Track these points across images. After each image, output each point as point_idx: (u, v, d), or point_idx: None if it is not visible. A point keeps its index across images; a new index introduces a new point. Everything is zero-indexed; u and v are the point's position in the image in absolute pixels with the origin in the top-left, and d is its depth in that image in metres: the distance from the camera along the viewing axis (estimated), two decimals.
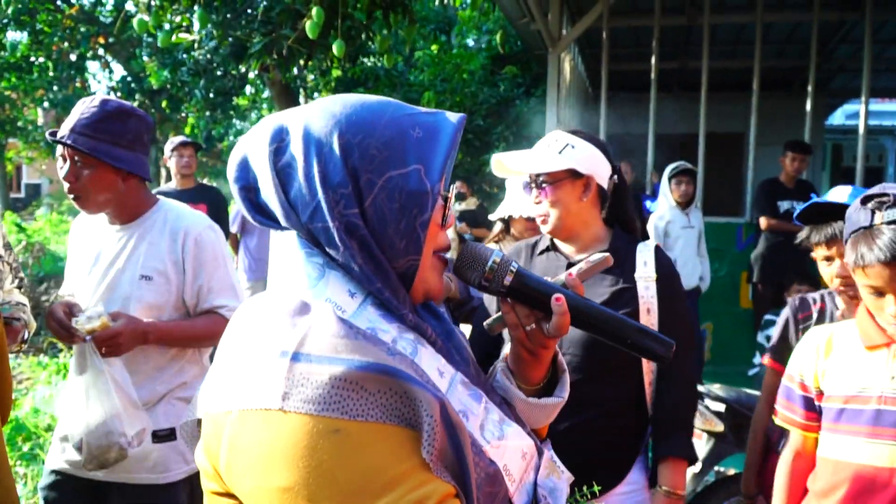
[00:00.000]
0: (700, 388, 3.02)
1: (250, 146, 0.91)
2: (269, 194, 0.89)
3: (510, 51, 10.45)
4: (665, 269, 1.94)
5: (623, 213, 2.02)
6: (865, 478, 1.62)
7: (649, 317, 1.89)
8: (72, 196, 2.09)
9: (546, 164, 1.90)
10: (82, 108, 2.06)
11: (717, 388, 2.96)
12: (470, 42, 12.16)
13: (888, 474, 1.59)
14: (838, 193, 2.14)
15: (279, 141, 0.89)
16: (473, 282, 0.98)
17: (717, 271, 6.17)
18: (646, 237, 5.10)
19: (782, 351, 2.24)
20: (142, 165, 2.13)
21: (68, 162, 2.05)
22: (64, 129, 2.05)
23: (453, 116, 0.94)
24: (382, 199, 0.87)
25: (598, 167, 1.94)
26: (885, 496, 1.58)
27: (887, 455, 1.59)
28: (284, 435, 0.76)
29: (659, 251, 1.98)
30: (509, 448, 0.90)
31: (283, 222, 0.91)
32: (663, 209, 5.47)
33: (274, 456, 0.76)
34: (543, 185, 1.92)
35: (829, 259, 2.07)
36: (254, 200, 0.92)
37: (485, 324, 1.09)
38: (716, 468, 3.33)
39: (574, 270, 1.02)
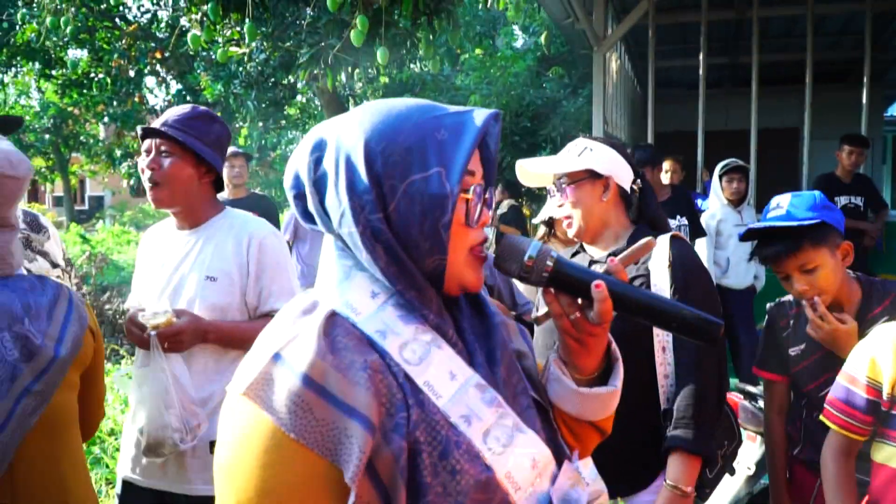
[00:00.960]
0: (753, 388, 2.96)
1: (298, 156, 0.99)
2: (311, 202, 0.96)
3: (556, 52, 10.40)
4: (680, 257, 1.91)
5: (651, 213, 2.06)
6: None
7: None
8: (150, 185, 2.18)
9: (565, 165, 1.98)
10: (172, 110, 2.21)
11: None
12: (516, 44, 12.14)
13: None
14: (777, 207, 2.04)
15: (318, 152, 0.96)
16: (514, 273, 0.99)
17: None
18: (702, 234, 5.01)
19: (769, 359, 2.18)
20: (219, 166, 2.23)
21: (153, 152, 2.17)
22: (155, 125, 2.18)
23: (482, 113, 0.95)
24: (405, 204, 0.91)
25: (618, 169, 1.99)
26: None
27: None
28: (236, 416, 0.87)
29: (676, 240, 1.96)
30: (516, 455, 0.90)
31: (321, 227, 0.98)
32: (715, 207, 5.37)
33: (224, 433, 0.88)
34: (564, 186, 1.99)
35: (783, 276, 1.98)
36: (304, 207, 0.99)
37: (532, 316, 1.10)
38: None
39: (618, 257, 1.03)
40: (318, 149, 0.96)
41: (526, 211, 10.21)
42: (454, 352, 0.94)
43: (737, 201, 5.31)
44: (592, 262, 2.02)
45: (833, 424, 1.78)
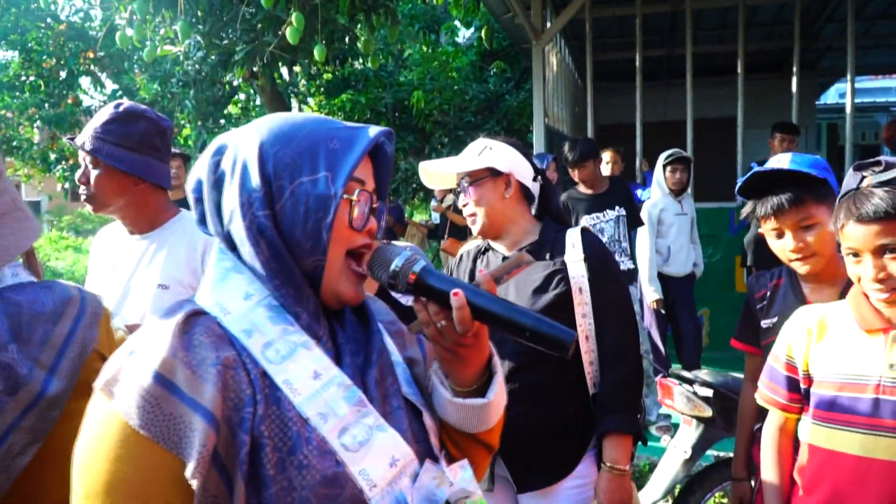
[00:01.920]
0: (687, 374, 3.03)
1: (200, 161, 1.03)
2: (207, 203, 1.01)
3: (498, 46, 10.45)
4: (593, 249, 1.99)
5: (553, 208, 2.14)
6: (861, 470, 1.55)
7: (582, 296, 1.95)
8: (84, 198, 2.09)
9: (465, 164, 2.04)
10: (96, 116, 2.09)
11: (704, 374, 2.97)
12: (458, 40, 12.15)
13: (887, 467, 1.52)
14: (779, 161, 2.00)
15: (218, 155, 1.01)
16: (383, 280, 1.01)
17: (711, 257, 6.18)
18: (639, 224, 5.11)
19: (745, 331, 2.19)
20: (149, 169, 2.09)
21: (82, 165, 2.07)
22: (83, 136, 2.07)
23: (375, 129, 1.01)
24: (292, 203, 0.95)
25: (518, 166, 2.05)
26: (883, 489, 1.52)
27: (885, 447, 1.53)
28: (91, 412, 0.91)
29: (586, 233, 2.03)
30: (372, 453, 0.93)
31: (210, 229, 1.02)
32: (657, 197, 5.46)
33: (83, 429, 0.91)
34: (467, 186, 2.05)
35: (778, 233, 1.94)
36: (203, 211, 1.03)
37: (409, 326, 1.12)
38: (709, 452, 3.34)
39: (491, 270, 1.06)
40: (219, 153, 1.01)
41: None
42: (322, 352, 0.96)
43: (679, 191, 5.41)
44: (505, 257, 2.07)
45: (762, 401, 1.83)
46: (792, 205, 1.88)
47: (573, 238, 2.00)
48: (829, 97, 13.45)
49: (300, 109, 13.59)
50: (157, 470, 0.85)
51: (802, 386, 1.72)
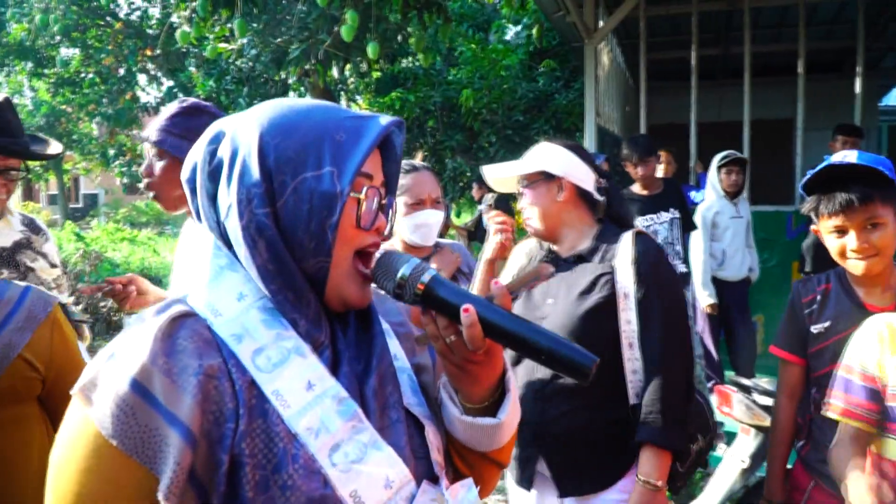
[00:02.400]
0: (746, 381, 2.95)
1: (196, 148, 0.95)
2: (201, 194, 0.93)
3: (548, 45, 10.37)
4: (643, 253, 1.93)
5: (615, 212, 2.11)
6: None
7: (626, 301, 1.90)
8: (148, 189, 2.12)
9: (520, 167, 2.07)
10: (164, 110, 2.12)
11: (764, 382, 2.89)
12: (508, 38, 12.11)
13: None
14: (844, 158, 1.91)
15: (214, 144, 0.93)
16: (389, 290, 0.95)
17: (767, 261, 6.02)
18: (693, 227, 5.02)
19: (787, 338, 2.10)
20: None
21: (147, 157, 2.10)
22: (148, 130, 2.11)
23: (385, 119, 0.94)
24: (294, 201, 0.88)
25: (573, 169, 2.04)
26: None
27: None
28: (68, 416, 0.85)
29: (639, 236, 1.97)
30: (364, 473, 0.86)
31: (204, 223, 0.95)
32: (711, 199, 5.35)
33: (60, 432, 0.85)
34: (523, 188, 2.08)
35: (840, 231, 1.88)
36: (198, 202, 0.96)
37: (415, 339, 1.04)
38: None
39: (508, 282, 0.97)
40: (215, 140, 0.94)
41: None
42: (317, 360, 0.90)
43: (734, 193, 5.29)
44: (559, 260, 2.06)
45: (837, 415, 1.72)
46: (861, 202, 1.82)
47: (625, 241, 1.96)
48: (893, 98, 12.99)
49: (348, 108, 13.73)
50: (127, 485, 0.80)
51: (881, 396, 1.64)
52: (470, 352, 0.92)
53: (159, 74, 12.85)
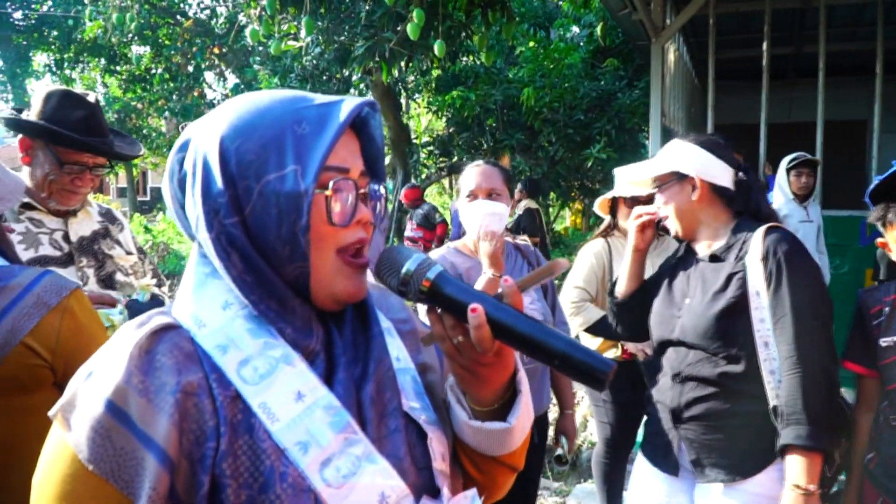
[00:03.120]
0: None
1: (169, 158, 0.91)
2: (171, 205, 0.90)
3: (611, 43, 10.24)
4: (772, 248, 1.86)
5: (753, 205, 2.04)
6: None
7: (759, 299, 1.84)
8: None
9: (652, 169, 2.06)
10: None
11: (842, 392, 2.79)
12: (569, 36, 12.00)
13: None
14: None
15: (182, 152, 0.89)
16: (393, 286, 0.90)
17: (839, 268, 5.81)
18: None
19: (857, 350, 2.04)
20: None
21: None
22: None
23: (351, 103, 0.87)
24: (261, 206, 0.83)
25: (707, 166, 1.99)
26: None
27: None
28: (48, 438, 0.82)
29: (772, 231, 1.90)
30: (358, 488, 0.81)
31: (184, 232, 0.92)
32: (780, 202, 5.20)
33: (41, 454, 0.82)
34: (657, 190, 2.06)
35: None
36: None
37: (421, 339, 0.99)
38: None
39: (520, 280, 0.90)
40: (182, 149, 0.89)
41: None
42: (308, 368, 0.85)
43: (803, 196, 5.13)
44: (699, 260, 2.04)
45: None
46: None
47: (756, 238, 1.90)
48: None
49: (408, 106, 13.80)
50: None
51: None
52: (478, 353, 0.86)
53: (226, 71, 13.18)
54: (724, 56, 7.19)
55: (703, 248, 2.05)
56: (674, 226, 2.04)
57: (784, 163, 5.18)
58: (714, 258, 1.98)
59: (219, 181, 0.83)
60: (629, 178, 2.14)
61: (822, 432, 1.73)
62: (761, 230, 1.91)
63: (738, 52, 7.80)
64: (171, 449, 0.76)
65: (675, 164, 2.00)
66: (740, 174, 2.02)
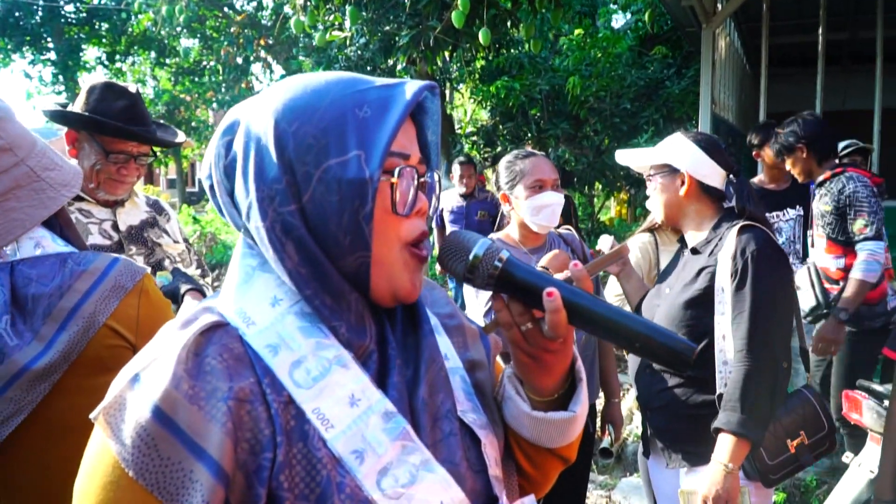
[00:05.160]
0: (878, 387, 2.77)
1: (212, 141, 0.86)
2: (218, 192, 0.85)
3: (659, 30, 10.04)
4: (744, 244, 1.96)
5: (740, 204, 2.12)
6: None
7: (723, 294, 1.97)
8: None
9: (650, 158, 2.18)
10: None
11: None
12: (616, 24, 11.82)
13: None
14: None
15: (229, 135, 0.84)
16: (458, 273, 0.86)
17: None
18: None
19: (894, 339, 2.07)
20: None
21: None
22: None
23: (413, 86, 0.83)
24: (321, 193, 0.78)
25: (698, 164, 2.09)
26: None
27: None
28: (91, 441, 0.78)
29: (746, 230, 1.99)
30: (416, 499, 0.77)
31: (229, 221, 0.86)
32: None
33: (84, 457, 0.79)
34: (650, 177, 2.19)
35: None
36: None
37: (482, 328, 0.96)
38: None
39: (587, 264, 0.90)
40: (230, 132, 0.84)
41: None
42: (361, 371, 0.81)
43: None
44: (694, 251, 2.13)
45: None
46: None
47: (731, 235, 2.01)
48: None
49: (451, 96, 13.77)
50: None
51: None
52: (547, 340, 0.83)
53: (272, 63, 13.34)
54: (776, 42, 7.00)
55: (690, 241, 2.18)
56: (658, 213, 2.19)
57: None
58: (694, 251, 2.12)
59: (275, 166, 0.79)
60: (628, 162, 2.24)
61: (754, 423, 1.87)
62: (735, 228, 2.01)
63: (792, 37, 7.59)
64: (225, 461, 0.72)
65: (669, 157, 2.12)
66: (730, 177, 2.12)
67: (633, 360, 2.28)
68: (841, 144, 4.97)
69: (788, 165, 3.82)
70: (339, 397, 0.78)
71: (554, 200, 2.37)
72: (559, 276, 0.86)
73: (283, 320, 0.80)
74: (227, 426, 0.73)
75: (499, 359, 1.08)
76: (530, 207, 2.38)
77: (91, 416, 0.77)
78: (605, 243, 2.38)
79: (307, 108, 0.80)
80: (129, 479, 0.72)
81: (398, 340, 0.87)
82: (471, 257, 0.84)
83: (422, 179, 0.86)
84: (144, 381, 0.74)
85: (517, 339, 0.86)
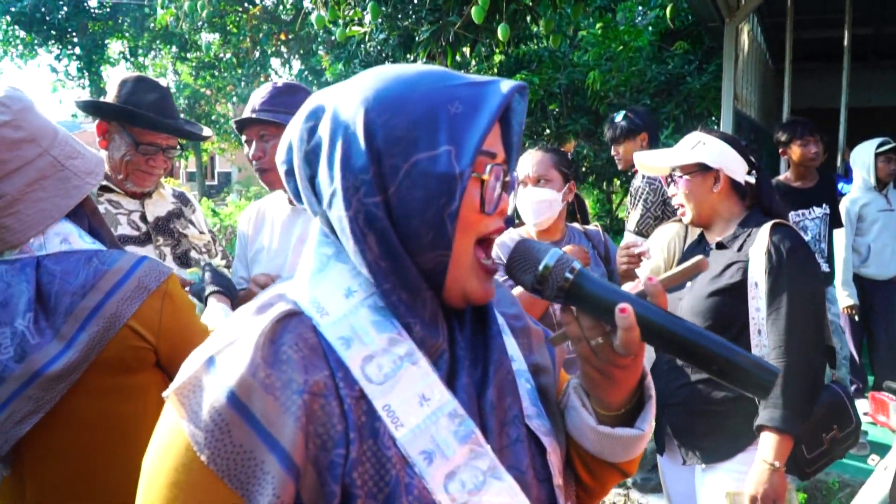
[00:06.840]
0: None
1: (292, 125, 0.86)
2: (299, 177, 0.84)
3: (680, 25, 9.94)
4: (778, 242, 1.97)
5: (765, 202, 2.16)
6: None
7: (757, 290, 1.96)
8: (259, 171, 2.25)
9: (678, 158, 2.15)
10: (255, 95, 2.26)
11: None
12: (636, 18, 11.72)
13: None
14: None
15: (313, 120, 0.83)
16: (527, 284, 0.84)
17: None
18: (839, 224, 4.65)
19: None
20: None
21: (254, 141, 2.23)
22: (245, 114, 2.24)
23: (506, 85, 0.81)
24: (407, 187, 0.77)
25: (729, 161, 2.11)
26: None
27: None
28: (163, 418, 0.77)
29: (777, 227, 2.01)
30: None
31: (307, 208, 0.86)
32: (857, 190, 4.95)
33: (155, 433, 0.79)
34: (677, 178, 2.16)
35: None
36: (297, 185, 0.87)
37: (548, 339, 0.93)
38: None
39: (661, 277, 0.85)
40: (314, 117, 0.83)
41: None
42: (432, 370, 0.79)
43: (884, 184, 4.89)
44: (709, 249, 2.17)
45: None
46: None
47: (763, 232, 2.02)
48: None
49: None
50: None
51: None
52: (618, 356, 0.81)
53: (291, 58, 13.39)
54: (800, 37, 6.91)
55: (713, 237, 2.18)
56: (690, 213, 2.16)
57: (871, 147, 4.90)
58: (720, 246, 2.12)
59: (362, 156, 0.77)
60: (648, 164, 2.23)
61: (796, 418, 1.88)
62: (768, 226, 2.03)
63: (816, 32, 7.49)
64: (296, 454, 0.71)
65: (700, 155, 2.10)
66: (753, 172, 2.14)
67: (648, 356, 2.26)
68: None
69: None
70: (409, 396, 0.77)
71: (530, 198, 2.35)
72: (632, 290, 0.83)
73: (357, 313, 0.79)
74: (301, 420, 0.72)
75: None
76: (514, 206, 2.42)
77: (164, 394, 0.76)
78: (630, 241, 2.38)
79: (398, 99, 0.79)
80: (200, 464, 0.71)
81: (466, 340, 0.86)
82: (541, 268, 0.82)
83: (506, 179, 0.85)
84: (220, 364, 0.74)
85: (586, 353, 0.83)
